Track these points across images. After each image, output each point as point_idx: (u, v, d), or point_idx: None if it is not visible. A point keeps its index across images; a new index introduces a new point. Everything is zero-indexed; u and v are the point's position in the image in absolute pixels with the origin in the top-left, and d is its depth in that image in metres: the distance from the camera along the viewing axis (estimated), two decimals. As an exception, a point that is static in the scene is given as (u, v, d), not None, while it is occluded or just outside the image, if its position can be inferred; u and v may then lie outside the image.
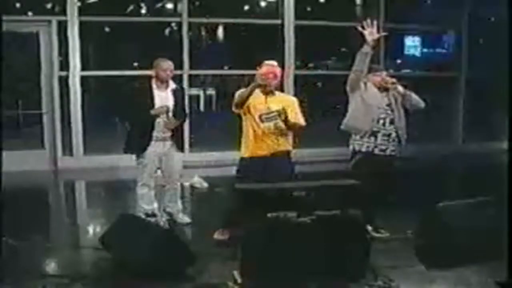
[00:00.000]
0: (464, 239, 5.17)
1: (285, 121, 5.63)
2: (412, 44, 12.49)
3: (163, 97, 6.35)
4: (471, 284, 4.80)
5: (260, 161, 5.74)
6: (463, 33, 12.15)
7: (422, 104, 6.12)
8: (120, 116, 6.99)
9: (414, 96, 6.07)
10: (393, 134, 6.00)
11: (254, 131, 5.78)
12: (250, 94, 5.62)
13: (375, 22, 5.80)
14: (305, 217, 4.58)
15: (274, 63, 5.88)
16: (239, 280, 4.67)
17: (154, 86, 6.37)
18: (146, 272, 4.70)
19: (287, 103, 5.85)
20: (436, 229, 5.53)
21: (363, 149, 6.01)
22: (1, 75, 5.64)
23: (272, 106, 5.73)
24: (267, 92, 5.78)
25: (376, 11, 11.53)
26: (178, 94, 6.51)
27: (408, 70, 12.79)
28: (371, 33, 5.77)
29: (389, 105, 6.00)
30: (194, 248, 5.24)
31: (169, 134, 6.38)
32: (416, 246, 5.68)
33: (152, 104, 6.28)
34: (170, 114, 6.30)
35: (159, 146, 6.39)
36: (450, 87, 12.31)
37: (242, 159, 5.91)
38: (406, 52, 12.66)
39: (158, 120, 6.30)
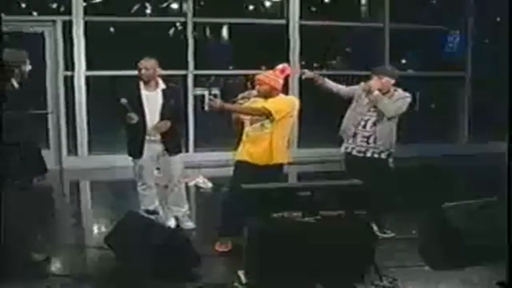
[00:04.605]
0: (469, 240, 5.16)
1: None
2: (417, 44, 12.45)
3: (152, 98, 6.15)
4: (476, 284, 4.80)
5: (249, 167, 5.60)
6: (468, 33, 12.13)
7: (387, 114, 5.98)
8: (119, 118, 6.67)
9: (384, 103, 5.95)
10: (373, 136, 6.01)
11: (246, 135, 5.73)
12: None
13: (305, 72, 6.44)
14: (310, 217, 4.59)
15: (279, 66, 5.71)
16: (244, 280, 4.68)
17: (141, 86, 6.17)
18: (151, 271, 4.71)
19: (281, 104, 5.62)
20: (440, 230, 5.53)
21: (342, 150, 6.21)
22: None
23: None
24: (265, 97, 5.63)
25: (381, 11, 11.53)
26: (170, 93, 6.25)
27: (412, 70, 12.76)
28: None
29: (373, 107, 6.04)
30: (198, 247, 5.25)
31: (158, 136, 6.17)
32: (421, 247, 5.68)
33: (140, 105, 6.10)
34: (157, 117, 6.11)
35: (150, 148, 6.22)
36: (455, 87, 12.28)
37: (235, 162, 5.80)
38: (411, 52, 12.62)
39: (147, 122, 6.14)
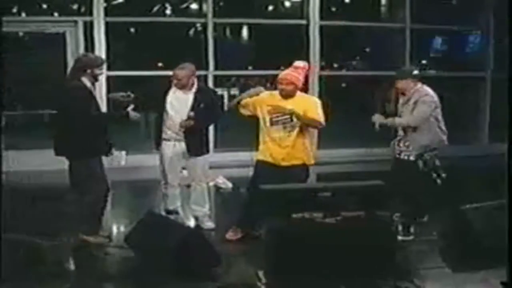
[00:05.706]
0: (490, 241, 5.13)
1: (298, 118, 5.56)
2: (438, 44, 12.38)
3: (183, 98, 6.19)
4: (497, 286, 4.75)
5: (271, 167, 5.69)
6: (489, 33, 12.04)
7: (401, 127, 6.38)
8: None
9: (394, 122, 6.37)
10: (403, 140, 6.34)
11: (266, 134, 5.77)
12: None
13: None
14: (330, 217, 4.58)
15: (300, 64, 5.79)
16: (263, 280, 4.68)
17: (172, 87, 6.23)
18: (171, 271, 4.72)
19: (306, 104, 5.71)
20: (461, 231, 5.50)
21: (392, 154, 6.51)
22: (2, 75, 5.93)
23: (285, 108, 5.62)
24: (285, 96, 5.69)
25: (401, 11, 11.48)
26: (201, 95, 6.24)
27: (433, 71, 12.69)
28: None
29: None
30: (218, 247, 5.25)
31: (181, 135, 6.21)
32: (441, 248, 5.65)
33: (166, 105, 6.21)
34: (184, 117, 6.16)
35: (172, 146, 6.28)
36: (476, 87, 12.20)
37: (256, 161, 5.90)
38: (431, 53, 12.56)
39: (169, 118, 6.22)
